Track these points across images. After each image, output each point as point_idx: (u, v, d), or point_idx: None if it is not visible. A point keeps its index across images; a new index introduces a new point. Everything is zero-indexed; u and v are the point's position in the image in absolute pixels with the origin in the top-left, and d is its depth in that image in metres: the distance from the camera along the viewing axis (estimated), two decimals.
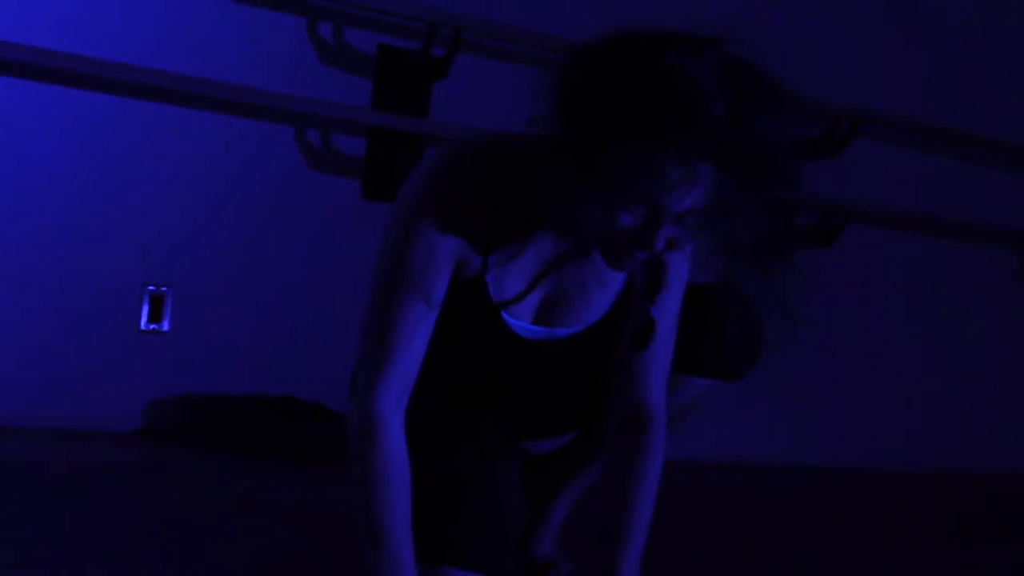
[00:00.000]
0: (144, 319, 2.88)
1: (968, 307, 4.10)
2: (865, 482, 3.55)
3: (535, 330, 1.41)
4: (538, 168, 1.26)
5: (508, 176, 1.31)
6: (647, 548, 1.38)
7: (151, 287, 2.89)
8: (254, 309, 3.01)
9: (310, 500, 2.29)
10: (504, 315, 1.37)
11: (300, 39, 3.03)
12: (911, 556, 2.35)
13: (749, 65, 1.19)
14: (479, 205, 1.31)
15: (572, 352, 1.46)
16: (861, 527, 2.67)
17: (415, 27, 3.09)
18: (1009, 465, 4.06)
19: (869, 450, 3.86)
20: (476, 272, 1.34)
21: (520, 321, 1.39)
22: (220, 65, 2.91)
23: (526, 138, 1.29)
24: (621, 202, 1.20)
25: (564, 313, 1.41)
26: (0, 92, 2.71)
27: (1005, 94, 4.14)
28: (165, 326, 2.90)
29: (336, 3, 3.01)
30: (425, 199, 1.30)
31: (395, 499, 1.27)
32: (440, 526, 1.38)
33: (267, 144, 3.01)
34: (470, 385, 1.50)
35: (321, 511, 2.15)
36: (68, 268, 2.80)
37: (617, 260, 1.26)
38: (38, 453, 2.48)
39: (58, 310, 2.80)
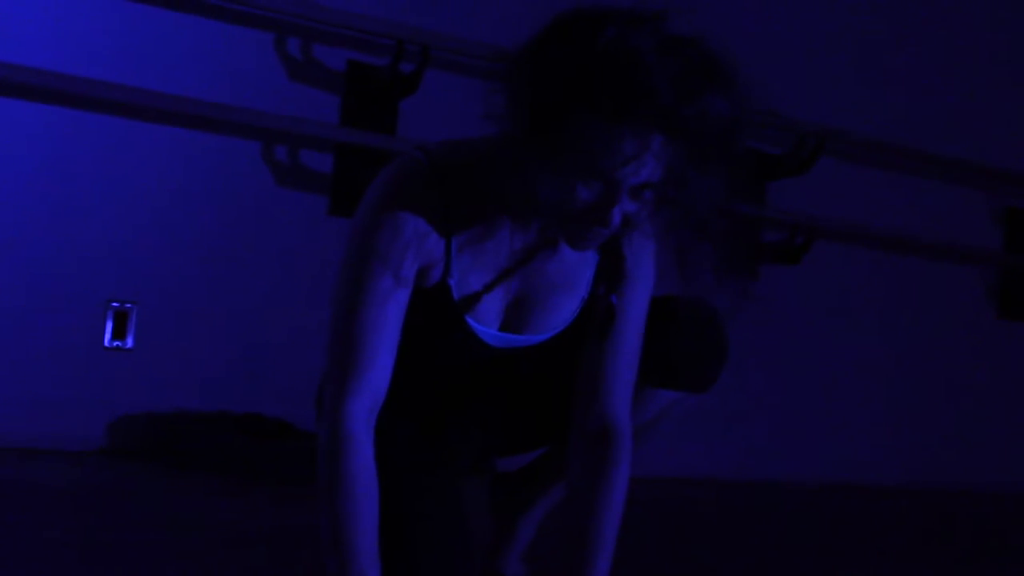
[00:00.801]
0: (108, 336, 2.85)
1: (935, 324, 4.14)
2: (828, 497, 3.56)
3: (501, 337, 1.40)
4: (497, 157, 1.28)
5: (468, 169, 1.32)
6: (615, 563, 1.37)
7: (115, 303, 2.86)
8: (220, 326, 2.99)
9: (276, 520, 2.26)
10: (469, 320, 1.37)
11: (268, 55, 3.02)
12: (881, 571, 2.36)
13: (693, 40, 1.20)
14: (440, 199, 1.30)
15: (538, 361, 1.46)
16: (826, 541, 2.68)
17: (384, 43, 3.09)
18: (977, 480, 4.10)
19: (835, 465, 3.88)
20: (439, 276, 1.34)
21: (486, 328, 1.39)
22: (187, 80, 2.89)
23: (486, 138, 1.30)
24: (576, 176, 1.20)
25: (530, 317, 1.41)
26: None
27: (969, 114, 4.20)
28: (129, 343, 2.87)
29: (305, 19, 3.00)
30: (387, 197, 1.30)
31: (362, 516, 1.26)
32: (404, 545, 1.37)
33: (235, 160, 2.99)
34: (434, 395, 1.50)
35: (288, 531, 2.13)
36: (31, 284, 2.77)
37: (577, 238, 1.26)
38: None
39: (20, 327, 2.76)
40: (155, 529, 2.02)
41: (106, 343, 2.85)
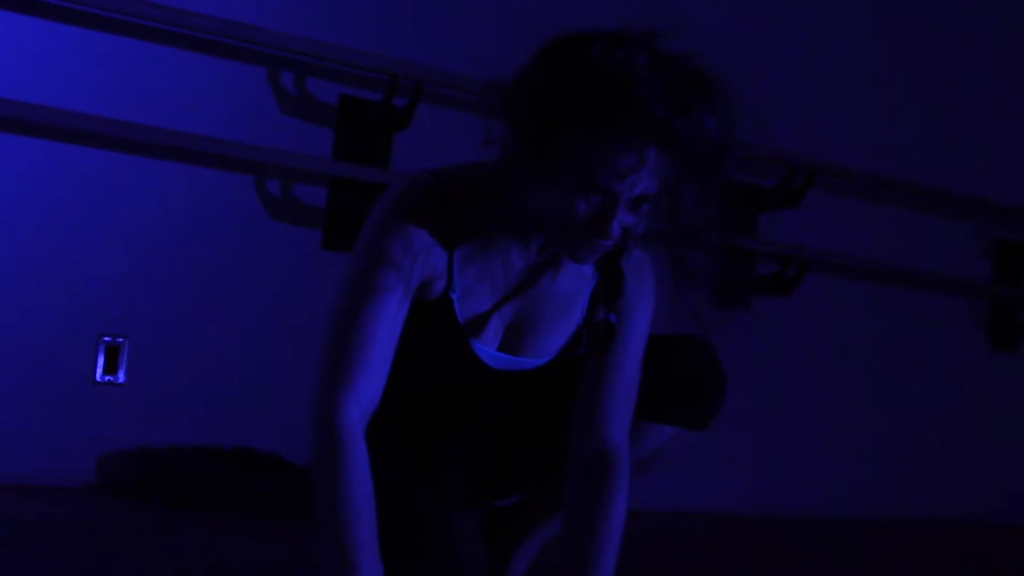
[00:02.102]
0: (100, 371, 2.84)
1: (927, 355, 4.14)
2: (822, 530, 3.55)
3: (499, 357, 1.41)
4: (498, 177, 1.30)
5: (472, 190, 1.34)
6: None
7: (107, 338, 2.85)
8: (212, 360, 2.98)
9: (268, 555, 2.25)
10: (468, 337, 1.37)
11: (262, 89, 3.03)
12: None
13: (683, 56, 1.23)
14: (445, 216, 1.32)
15: (532, 387, 1.46)
16: (821, 574, 2.67)
17: (377, 78, 3.11)
18: (971, 511, 4.09)
19: (827, 497, 3.87)
20: (441, 290, 1.34)
21: (485, 346, 1.39)
22: (180, 114, 2.90)
23: (488, 162, 1.33)
24: (575, 190, 1.23)
25: (528, 338, 1.42)
26: None
27: (958, 147, 4.23)
28: (121, 378, 2.86)
29: (298, 53, 3.02)
30: (393, 211, 1.32)
31: (363, 517, 1.25)
32: (394, 565, 1.36)
33: (228, 194, 2.99)
34: (429, 417, 1.49)
35: (280, 566, 2.11)
36: (22, 318, 2.76)
37: (578, 250, 1.28)
38: None
39: (11, 360, 2.75)
40: (146, 565, 2.01)
41: (98, 378, 2.84)
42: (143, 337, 2.89)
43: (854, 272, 3.97)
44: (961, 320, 4.24)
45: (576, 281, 1.42)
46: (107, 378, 2.85)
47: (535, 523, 1.68)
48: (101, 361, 2.84)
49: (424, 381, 1.43)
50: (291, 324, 3.04)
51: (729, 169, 1.28)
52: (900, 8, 4.12)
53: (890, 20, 4.10)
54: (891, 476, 4.03)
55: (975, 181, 4.18)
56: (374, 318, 1.29)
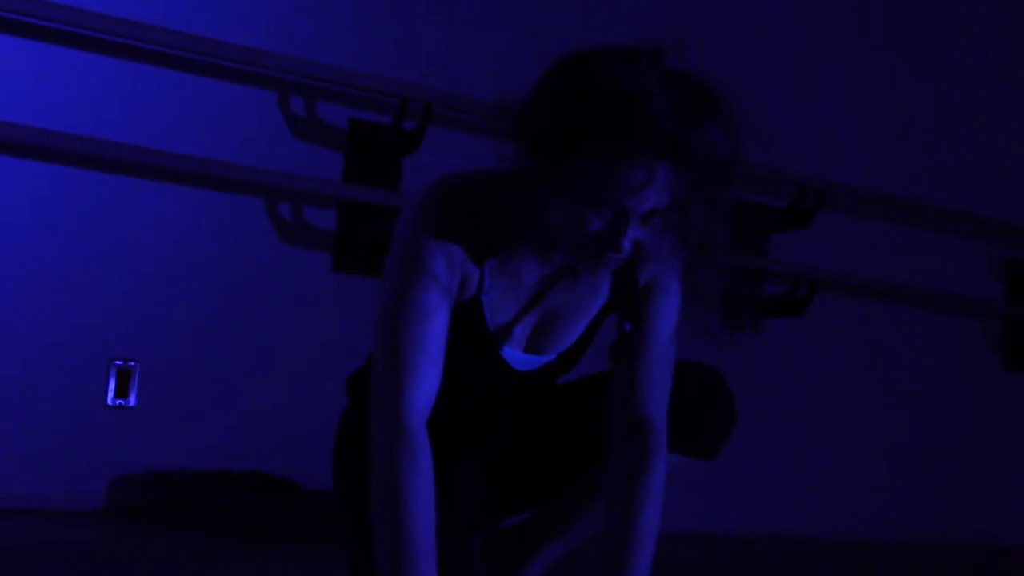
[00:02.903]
0: (111, 394, 2.85)
1: (939, 376, 4.12)
2: (832, 552, 3.53)
3: (525, 359, 1.43)
4: (513, 191, 1.32)
5: (492, 199, 1.35)
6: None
7: (118, 361, 2.85)
8: (224, 383, 2.98)
9: None
10: (491, 330, 1.39)
11: (272, 113, 3.05)
12: None
13: (690, 72, 1.24)
14: (476, 221, 1.34)
15: (547, 378, 1.48)
16: None
17: (386, 101, 3.12)
18: (986, 535, 4.06)
19: (839, 520, 3.84)
20: (471, 295, 1.36)
21: (514, 351, 1.42)
22: (191, 139, 2.92)
23: (503, 170, 1.34)
24: (586, 206, 1.24)
25: (551, 340, 1.45)
26: None
27: (969, 166, 4.22)
28: (132, 401, 2.87)
29: (308, 78, 3.03)
30: (430, 213, 1.34)
31: (422, 514, 1.24)
32: None
33: (238, 217, 3.00)
34: (450, 428, 1.49)
35: None
36: (34, 342, 2.77)
37: (592, 264, 1.29)
38: None
39: (23, 385, 2.75)
40: None
41: (109, 401, 2.85)
42: (154, 361, 2.89)
43: (866, 293, 3.96)
44: (974, 341, 4.21)
45: (593, 281, 1.45)
46: (118, 402, 2.85)
47: (539, 544, 1.67)
48: (112, 385, 2.85)
49: (450, 387, 1.43)
50: (302, 346, 3.04)
51: (738, 185, 1.28)
52: (911, 28, 4.12)
53: (900, 40, 4.10)
54: (903, 498, 4.00)
55: (988, 201, 4.17)
56: (420, 326, 1.30)
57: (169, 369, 2.91)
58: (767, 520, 3.70)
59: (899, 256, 4.04)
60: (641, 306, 1.42)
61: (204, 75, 2.96)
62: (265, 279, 3.04)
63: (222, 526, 2.67)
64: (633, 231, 1.25)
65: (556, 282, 1.43)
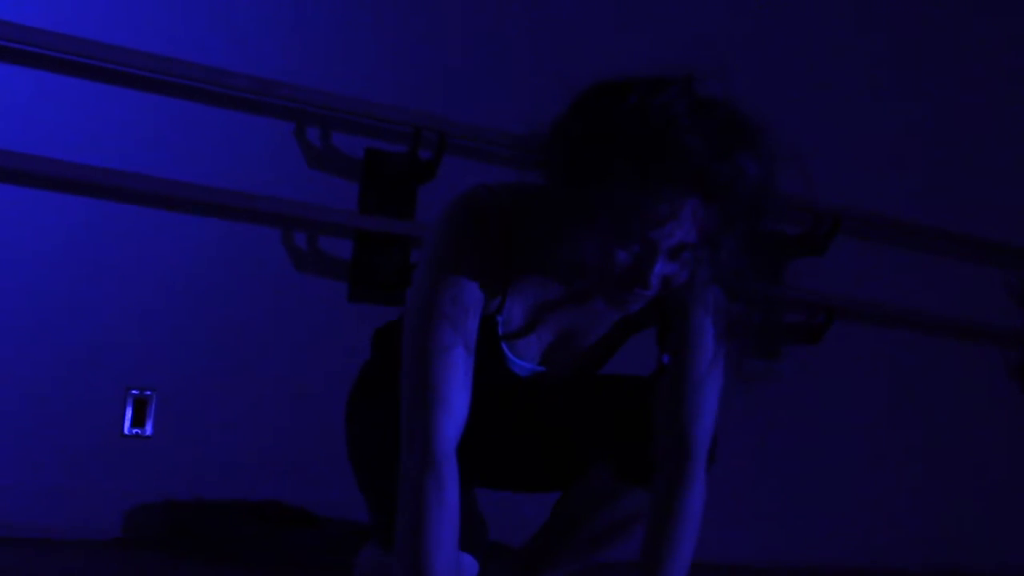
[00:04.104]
0: (127, 424, 2.85)
1: (957, 405, 4.09)
2: None
3: (532, 369, 1.43)
4: (542, 214, 1.31)
5: (519, 221, 1.35)
6: None
7: (135, 391, 2.86)
8: (240, 412, 2.98)
9: None
10: (507, 352, 1.39)
11: (288, 143, 3.06)
12: None
13: (721, 102, 1.22)
14: (503, 240, 1.34)
15: (559, 389, 1.48)
16: None
17: (401, 131, 3.13)
18: (1000, 564, 4.01)
19: (856, 548, 3.81)
20: (492, 311, 1.37)
21: (523, 362, 1.41)
22: (207, 169, 2.93)
23: (532, 188, 1.32)
24: (615, 240, 1.22)
25: (566, 356, 1.45)
26: None
27: (987, 192, 4.20)
28: (148, 430, 2.87)
29: (324, 108, 3.05)
30: (456, 237, 1.33)
31: (445, 541, 1.24)
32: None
33: (254, 247, 3.01)
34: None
35: None
36: (49, 371, 2.78)
37: (617, 300, 1.28)
38: (13, 565, 2.42)
39: (38, 414, 2.76)
40: None
41: (125, 431, 2.85)
42: (171, 390, 2.90)
43: (882, 320, 3.94)
44: (993, 368, 4.18)
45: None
46: (135, 431, 2.86)
47: (555, 564, 1.68)
48: (129, 414, 2.85)
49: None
50: (318, 376, 3.04)
51: (770, 217, 1.27)
52: (927, 54, 4.12)
53: (917, 67, 4.10)
54: (923, 526, 3.96)
55: (1006, 227, 4.15)
56: (448, 356, 1.30)
57: (186, 398, 2.92)
58: (782, 549, 3.66)
59: (916, 282, 4.02)
60: (678, 334, 1.41)
61: (220, 106, 2.98)
62: (281, 309, 3.05)
63: (238, 556, 2.67)
64: (661, 266, 1.23)
65: (575, 304, 1.42)
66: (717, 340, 1.40)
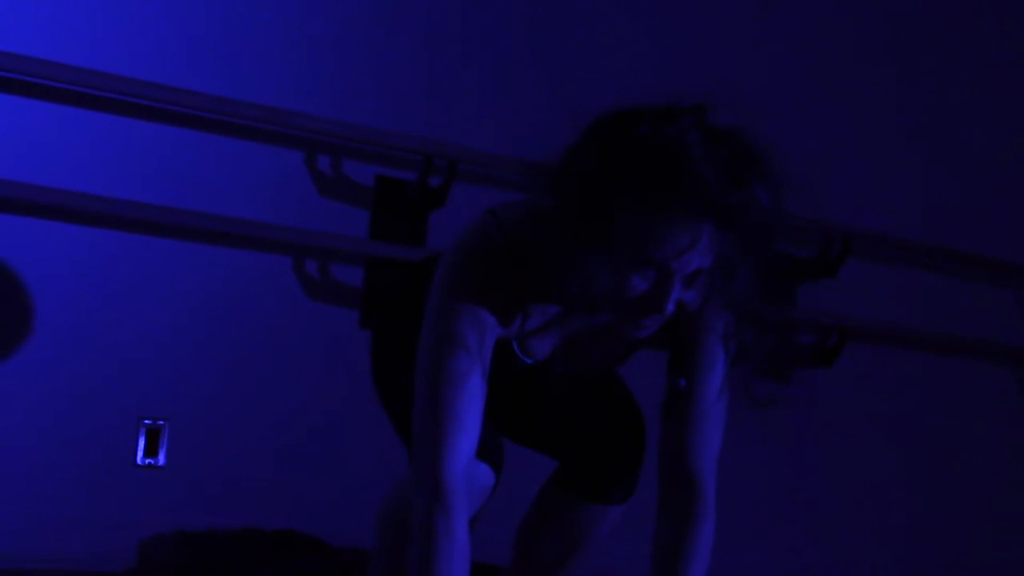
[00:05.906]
0: (140, 454, 2.85)
1: (972, 426, 4.07)
2: None
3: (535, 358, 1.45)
4: (555, 241, 1.30)
5: (532, 248, 1.35)
6: None
7: (147, 420, 2.86)
8: (252, 441, 2.98)
9: None
10: (516, 349, 1.40)
11: (299, 171, 3.08)
12: None
13: (733, 130, 1.22)
14: (515, 272, 1.34)
15: (567, 386, 1.49)
16: None
17: (412, 159, 3.14)
18: None
19: (870, 571, 3.78)
20: (506, 337, 1.39)
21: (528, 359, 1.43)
22: (219, 198, 2.95)
23: (546, 210, 1.32)
24: (630, 267, 1.23)
25: (574, 361, 1.47)
26: None
27: (998, 211, 4.19)
28: (161, 460, 2.87)
29: (334, 136, 3.07)
30: (468, 268, 1.35)
31: (455, 570, 1.25)
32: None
33: (265, 275, 3.02)
34: None
35: None
36: (62, 401, 2.78)
37: (632, 326, 1.28)
38: None
39: (52, 444, 2.76)
40: None
41: (138, 460, 2.85)
42: (184, 419, 2.90)
43: (896, 341, 3.93)
44: (1008, 389, 4.16)
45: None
46: (148, 461, 2.86)
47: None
48: (142, 444, 2.85)
49: None
50: (330, 404, 3.04)
51: (780, 242, 1.28)
52: (936, 74, 4.13)
53: (926, 87, 4.10)
54: (937, 550, 3.93)
55: (1017, 246, 4.14)
56: (460, 386, 1.30)
57: (198, 428, 2.92)
58: (795, 571, 3.64)
59: (929, 303, 4.01)
60: (687, 361, 1.41)
61: (231, 135, 2.99)
62: (293, 337, 3.05)
63: None
64: (676, 292, 1.23)
65: (585, 325, 1.44)
66: (727, 368, 1.40)
